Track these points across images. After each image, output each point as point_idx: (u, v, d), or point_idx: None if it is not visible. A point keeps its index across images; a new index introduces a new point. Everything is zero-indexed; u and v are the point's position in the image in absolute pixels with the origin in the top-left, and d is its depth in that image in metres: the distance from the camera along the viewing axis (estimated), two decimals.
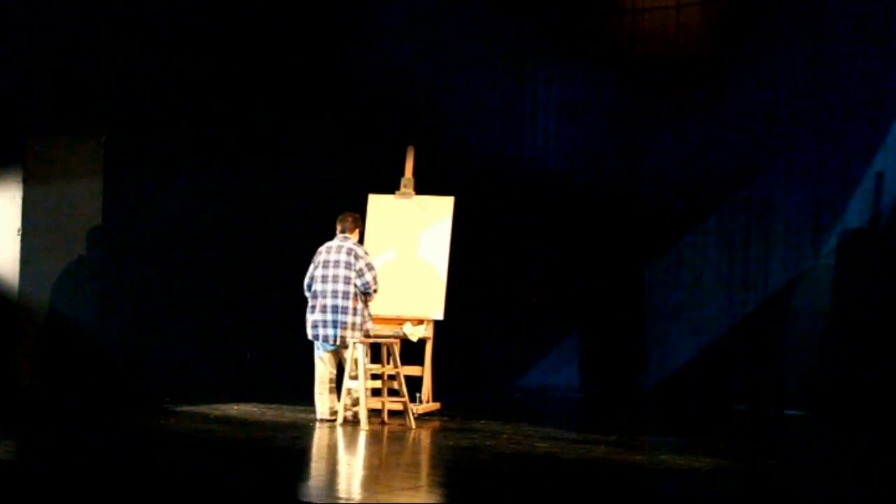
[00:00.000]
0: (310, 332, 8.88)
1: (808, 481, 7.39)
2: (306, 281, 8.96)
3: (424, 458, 7.88)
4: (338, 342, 8.78)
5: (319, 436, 8.43)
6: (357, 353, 8.75)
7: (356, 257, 8.83)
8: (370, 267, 8.82)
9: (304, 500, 6.10)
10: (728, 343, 11.09)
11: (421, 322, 9.61)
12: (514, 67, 12.21)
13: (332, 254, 8.85)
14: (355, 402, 8.88)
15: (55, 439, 8.02)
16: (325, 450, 8.02)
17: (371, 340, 8.85)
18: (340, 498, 6.15)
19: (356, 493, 6.37)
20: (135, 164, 10.70)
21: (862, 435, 9.52)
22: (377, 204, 10.03)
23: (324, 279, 8.82)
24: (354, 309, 8.77)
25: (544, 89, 12.09)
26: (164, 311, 11.07)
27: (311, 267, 8.92)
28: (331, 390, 8.97)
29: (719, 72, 11.23)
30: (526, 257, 12.07)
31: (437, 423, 9.23)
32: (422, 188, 10.07)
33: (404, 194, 10.02)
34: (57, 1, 10.28)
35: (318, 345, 8.93)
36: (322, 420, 8.90)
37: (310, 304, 8.88)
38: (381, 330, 9.22)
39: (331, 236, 9.14)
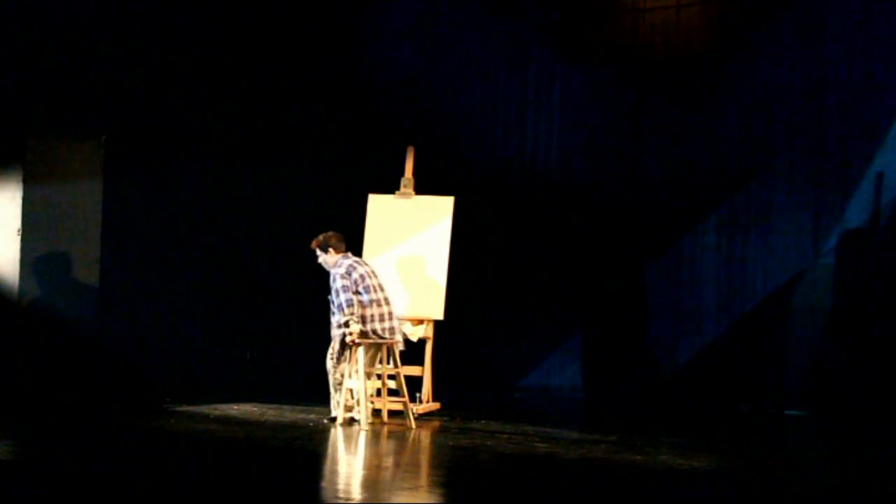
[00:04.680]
0: (375, 329, 8.87)
1: (808, 481, 7.39)
2: (352, 297, 8.76)
3: (424, 458, 7.88)
4: (398, 336, 9.01)
5: (319, 436, 8.43)
6: (357, 354, 8.77)
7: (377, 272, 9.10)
8: None
9: (304, 500, 6.10)
10: (728, 343, 11.09)
11: (421, 322, 9.62)
12: (514, 67, 12.21)
13: (369, 267, 9.00)
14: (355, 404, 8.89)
15: (55, 439, 8.02)
16: (325, 450, 8.02)
17: (372, 340, 8.86)
18: (340, 498, 6.15)
19: (356, 493, 6.37)
20: (135, 164, 10.70)
21: (862, 435, 9.52)
22: (377, 204, 10.03)
23: (378, 288, 8.91)
24: None
25: (544, 89, 12.09)
26: (164, 310, 11.07)
27: (356, 279, 8.82)
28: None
29: (719, 72, 11.23)
30: (526, 257, 12.06)
31: (437, 423, 9.23)
32: (422, 188, 10.07)
33: (404, 194, 10.02)
34: (57, 1, 10.27)
35: (362, 349, 8.83)
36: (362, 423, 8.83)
37: (371, 310, 8.85)
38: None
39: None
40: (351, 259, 8.95)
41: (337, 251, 8.99)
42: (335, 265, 8.91)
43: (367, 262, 9.11)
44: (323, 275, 9.09)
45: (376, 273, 9.03)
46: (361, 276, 8.83)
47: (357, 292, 8.78)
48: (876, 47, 10.52)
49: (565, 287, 11.91)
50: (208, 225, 11.40)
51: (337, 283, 8.81)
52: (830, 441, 9.47)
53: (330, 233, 9.10)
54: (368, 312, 8.82)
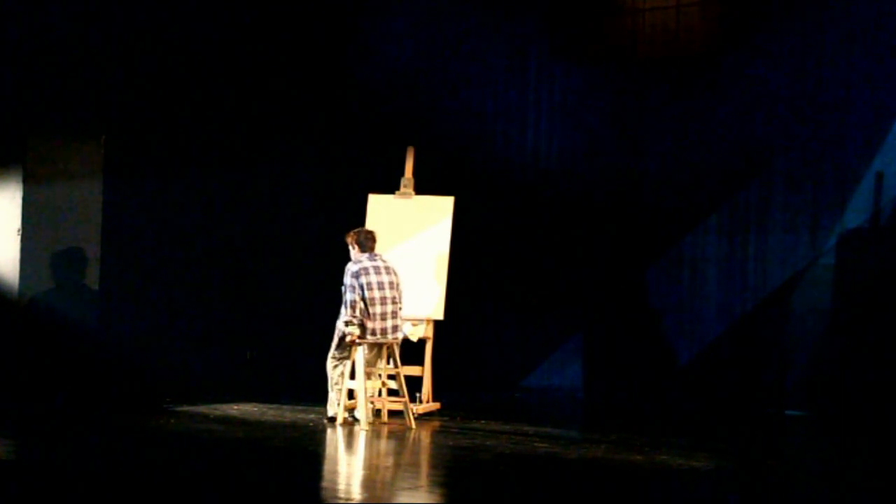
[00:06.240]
0: (375, 333, 8.87)
1: (808, 481, 7.39)
2: (355, 298, 8.78)
3: (424, 458, 7.89)
4: (398, 336, 8.97)
5: (319, 436, 8.43)
6: (357, 354, 8.77)
7: (397, 274, 9.00)
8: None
9: (304, 499, 6.10)
10: (728, 343, 11.09)
11: (421, 322, 9.62)
12: (514, 67, 12.21)
13: (388, 276, 8.90)
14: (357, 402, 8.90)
15: (55, 439, 8.02)
16: (325, 450, 8.03)
17: (372, 340, 8.86)
18: (340, 498, 6.16)
19: (356, 493, 6.37)
20: (135, 164, 10.70)
21: (862, 435, 9.52)
22: (377, 204, 10.03)
23: (385, 301, 8.83)
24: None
25: (544, 89, 12.09)
26: (164, 310, 11.07)
27: (361, 284, 8.79)
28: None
29: (719, 71, 11.23)
30: (526, 257, 12.06)
31: (437, 423, 9.24)
32: (422, 188, 10.07)
33: (404, 194, 10.02)
34: (57, 1, 10.27)
35: (362, 349, 8.87)
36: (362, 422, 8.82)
37: (372, 323, 8.83)
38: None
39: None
40: (372, 262, 8.90)
41: (362, 250, 8.99)
42: (353, 262, 8.94)
43: (389, 268, 8.97)
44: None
45: (395, 284, 8.91)
46: (368, 285, 8.81)
47: (362, 297, 8.80)
48: (876, 47, 10.52)
49: (565, 287, 11.91)
50: (208, 225, 11.39)
51: (346, 280, 8.85)
52: (830, 441, 9.47)
53: (363, 231, 9.12)
54: (369, 325, 8.82)
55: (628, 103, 11.68)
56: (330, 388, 9.06)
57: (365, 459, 7.73)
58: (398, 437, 8.53)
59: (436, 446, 8.28)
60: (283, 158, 11.82)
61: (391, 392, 9.16)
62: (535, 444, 8.12)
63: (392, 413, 9.23)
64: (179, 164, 11.10)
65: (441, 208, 9.94)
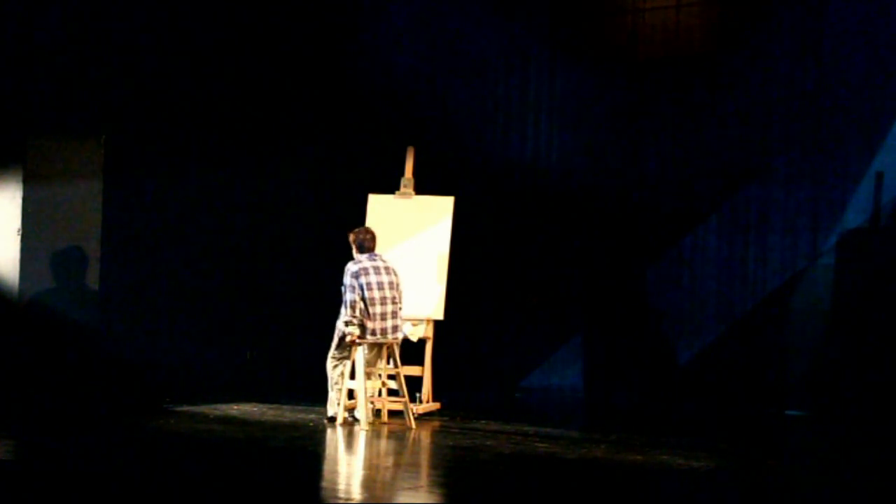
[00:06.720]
0: (375, 333, 8.87)
1: (808, 481, 7.39)
2: (355, 298, 8.78)
3: (424, 458, 7.88)
4: (398, 336, 8.97)
5: (319, 436, 8.43)
6: (357, 354, 8.77)
7: (396, 275, 8.98)
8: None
9: (304, 500, 6.10)
10: (728, 343, 11.09)
11: (421, 322, 9.62)
12: (514, 67, 12.22)
13: (387, 276, 8.89)
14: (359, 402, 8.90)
15: (55, 439, 8.02)
16: (324, 450, 8.02)
17: (372, 340, 8.86)
18: (340, 498, 6.16)
19: (356, 493, 6.37)
20: (135, 164, 10.70)
21: (862, 435, 9.52)
22: (377, 204, 10.03)
23: (385, 301, 8.83)
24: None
25: (544, 89, 12.09)
26: (164, 310, 11.07)
27: (361, 285, 8.78)
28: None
29: (719, 72, 11.23)
30: (526, 257, 12.07)
31: (437, 423, 9.24)
32: (422, 188, 10.07)
33: (404, 194, 10.02)
34: (57, 1, 10.27)
35: (362, 349, 8.86)
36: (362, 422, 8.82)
37: (373, 323, 8.83)
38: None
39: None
40: (372, 262, 8.89)
41: (360, 251, 8.98)
42: (352, 262, 8.94)
43: (389, 268, 8.96)
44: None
45: (395, 284, 8.91)
46: (368, 285, 8.81)
47: (362, 297, 8.80)
48: (876, 47, 10.52)
49: (565, 287, 11.91)
50: (208, 225, 11.40)
51: (346, 280, 8.85)
52: (830, 441, 9.47)
53: (363, 230, 9.09)
54: (369, 325, 8.82)
55: (628, 103, 11.68)
56: (330, 388, 9.06)
57: (365, 459, 7.74)
58: (398, 437, 8.53)
59: (436, 446, 8.28)
60: (283, 158, 11.82)
61: (391, 392, 9.16)
62: (535, 444, 8.13)
63: (392, 413, 9.23)
64: (179, 164, 11.10)
65: (441, 208, 9.94)
